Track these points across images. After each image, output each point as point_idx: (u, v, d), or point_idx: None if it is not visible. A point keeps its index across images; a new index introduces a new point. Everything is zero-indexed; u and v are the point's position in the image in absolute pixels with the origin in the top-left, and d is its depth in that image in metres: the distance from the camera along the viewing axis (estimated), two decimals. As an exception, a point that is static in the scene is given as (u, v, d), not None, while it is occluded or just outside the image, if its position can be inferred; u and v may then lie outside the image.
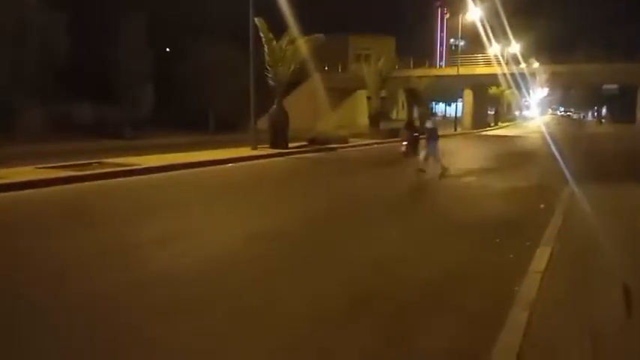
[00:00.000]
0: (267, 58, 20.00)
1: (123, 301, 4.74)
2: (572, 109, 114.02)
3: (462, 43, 51.67)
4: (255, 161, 17.01)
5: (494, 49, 45.44)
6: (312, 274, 5.66)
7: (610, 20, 68.72)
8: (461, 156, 21.53)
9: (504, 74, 43.45)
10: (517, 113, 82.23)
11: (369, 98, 32.18)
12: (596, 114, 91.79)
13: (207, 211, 9.21)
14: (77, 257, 6.09)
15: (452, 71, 45.14)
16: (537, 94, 75.75)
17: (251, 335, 4.11)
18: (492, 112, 59.69)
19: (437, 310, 4.70)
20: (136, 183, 12.03)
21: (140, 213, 8.78)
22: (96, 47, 26.57)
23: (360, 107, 46.15)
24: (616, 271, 5.49)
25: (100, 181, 11.61)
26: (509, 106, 72.84)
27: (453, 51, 57.36)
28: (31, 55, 23.06)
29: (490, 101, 56.32)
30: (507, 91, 55.82)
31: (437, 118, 30.94)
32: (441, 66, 58.57)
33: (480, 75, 44.92)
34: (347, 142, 23.77)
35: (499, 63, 44.13)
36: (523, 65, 47.15)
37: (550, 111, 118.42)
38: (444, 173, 13.74)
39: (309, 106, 37.46)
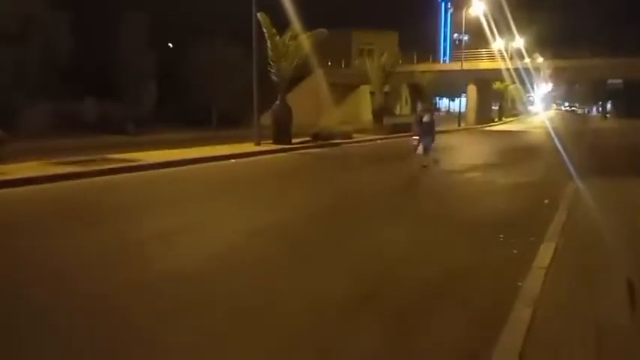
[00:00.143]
0: (270, 53, 19.95)
1: (123, 300, 4.73)
2: (577, 104, 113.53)
3: (465, 37, 51.51)
4: (259, 157, 17.00)
5: (498, 43, 45.25)
6: (315, 272, 5.65)
7: (610, 17, 68.30)
8: (465, 151, 21.50)
9: (508, 69, 43.32)
10: (521, 108, 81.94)
11: (372, 93, 32.11)
12: (600, 109, 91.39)
13: (210, 206, 9.21)
14: (79, 255, 6.08)
15: (456, 66, 45.05)
16: (541, 89, 75.51)
17: (252, 334, 4.09)
18: (496, 108, 59.52)
19: (440, 307, 4.67)
20: (140, 179, 12.04)
21: (144, 209, 8.78)
22: (99, 45, 26.59)
23: (363, 102, 46.11)
24: (620, 267, 5.47)
25: (104, 177, 11.62)
26: (513, 101, 72.56)
27: (456, 46, 57.13)
28: (34, 53, 23.10)
29: (494, 96, 56.13)
30: (511, 86, 55.65)
31: (437, 112, 30.74)
32: (444, 61, 58.39)
33: (484, 70, 44.77)
34: (350, 138, 23.74)
35: (503, 58, 43.98)
36: (527, 60, 46.98)
37: (554, 106, 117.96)
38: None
39: (312, 102, 37.43)
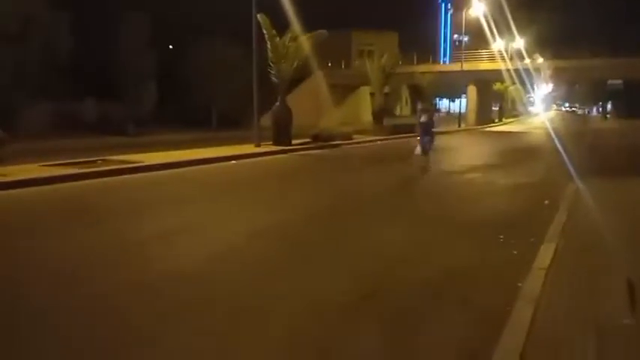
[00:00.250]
0: (269, 54, 19.96)
1: (123, 300, 4.73)
2: (577, 105, 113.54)
3: (465, 38, 51.53)
4: (259, 158, 16.99)
5: (498, 44, 45.27)
6: (315, 272, 5.64)
7: (610, 17, 68.31)
8: (465, 152, 21.50)
9: (508, 70, 43.32)
10: (521, 109, 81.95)
11: (372, 94, 32.11)
12: (601, 109, 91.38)
13: (211, 208, 9.20)
14: (80, 256, 6.08)
15: (456, 67, 45.06)
16: (542, 90, 75.50)
17: (252, 335, 4.09)
18: (496, 108, 59.51)
19: (440, 307, 4.67)
20: (140, 180, 12.04)
21: (144, 211, 8.78)
22: (99, 45, 26.62)
23: (363, 103, 46.12)
24: (621, 268, 5.46)
25: (103, 179, 11.61)
26: (513, 102, 72.58)
27: (456, 46, 57.14)
28: (34, 53, 23.13)
29: (494, 97, 56.13)
30: (511, 87, 55.63)
31: (438, 113, 30.74)
32: (444, 62, 58.38)
33: (484, 71, 44.79)
34: (351, 139, 23.73)
35: (503, 59, 43.98)
36: (527, 61, 46.98)
37: (555, 107, 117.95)
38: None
39: (312, 103, 37.42)
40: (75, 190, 10.49)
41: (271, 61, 20.04)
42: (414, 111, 40.14)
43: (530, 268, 5.45)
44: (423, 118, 14.53)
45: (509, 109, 70.46)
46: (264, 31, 19.45)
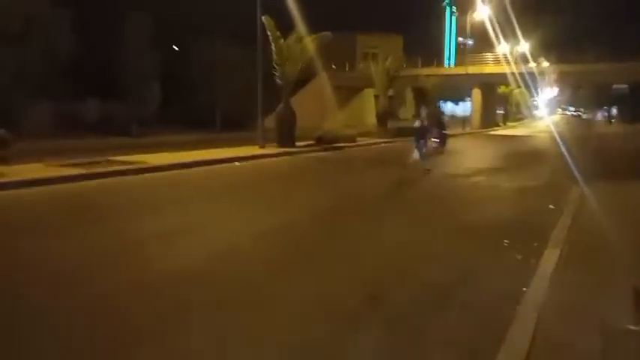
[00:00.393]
0: (274, 56, 19.98)
1: (125, 301, 4.72)
2: (582, 109, 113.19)
3: (470, 41, 51.45)
4: (263, 160, 16.99)
5: (502, 47, 45.20)
6: (317, 274, 5.61)
7: (610, 18, 68.15)
8: (469, 155, 21.45)
9: (513, 73, 43.22)
10: (526, 112, 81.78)
11: (376, 97, 32.11)
12: (606, 114, 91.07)
13: (214, 209, 9.19)
14: (82, 256, 6.07)
15: (460, 70, 44.99)
16: (546, 94, 75.31)
17: (252, 335, 4.07)
18: (501, 112, 59.39)
19: (444, 311, 4.63)
20: (144, 181, 12.04)
21: (147, 211, 8.77)
22: (101, 45, 26.67)
23: (367, 106, 46.06)
24: (625, 273, 5.42)
25: (107, 179, 11.64)
26: (518, 105, 72.44)
27: (461, 50, 57.10)
28: (35, 53, 23.16)
29: (499, 100, 56.05)
30: (516, 91, 55.58)
31: (445, 116, 30.56)
32: (449, 65, 58.31)
33: (489, 74, 44.71)
34: (354, 141, 23.71)
35: (508, 62, 43.89)
36: (532, 64, 46.87)
37: (559, 111, 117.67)
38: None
39: (316, 105, 37.44)
40: (78, 191, 10.50)
41: (275, 63, 20.07)
42: (418, 114, 40.13)
43: (535, 272, 5.41)
44: (417, 123, 14.74)
45: (514, 112, 70.34)
46: (269, 33, 19.47)
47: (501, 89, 51.99)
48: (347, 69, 49.02)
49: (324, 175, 15.09)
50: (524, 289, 4.96)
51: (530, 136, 38.60)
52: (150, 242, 6.65)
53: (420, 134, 14.41)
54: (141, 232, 7.15)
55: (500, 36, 43.35)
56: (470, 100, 47.69)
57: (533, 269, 5.52)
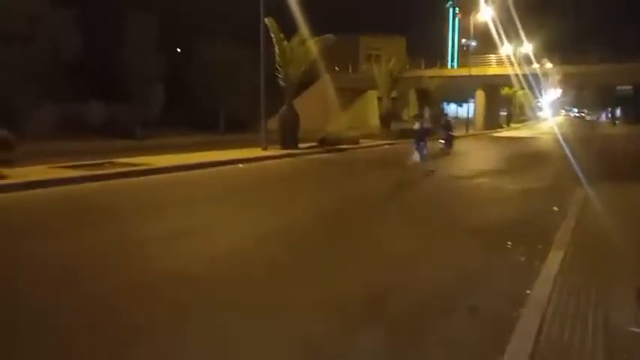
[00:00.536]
0: (277, 58, 20.01)
1: (126, 302, 4.73)
2: (586, 110, 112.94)
3: (473, 43, 51.42)
4: (266, 162, 17.02)
5: (506, 49, 45.14)
6: (320, 276, 5.61)
7: (610, 18, 68.05)
8: (472, 157, 21.41)
9: (517, 75, 43.17)
10: (529, 114, 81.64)
11: (379, 99, 32.17)
12: (610, 115, 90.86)
13: (218, 210, 9.20)
14: (85, 258, 6.08)
15: (464, 72, 44.96)
16: (550, 95, 75.18)
17: (253, 335, 4.08)
18: (504, 113, 59.30)
19: (448, 313, 4.63)
20: (147, 183, 12.06)
21: (151, 213, 8.79)
22: (106, 47, 26.71)
23: (370, 108, 46.12)
24: (630, 275, 5.40)
25: (110, 181, 11.66)
26: (521, 106, 72.33)
27: (464, 51, 57.05)
28: (40, 54, 23.19)
29: (502, 102, 55.97)
30: (520, 92, 55.47)
31: (449, 118, 30.50)
32: (452, 66, 58.27)
33: (492, 75, 44.66)
34: (358, 143, 23.71)
35: (511, 63, 43.83)
36: (536, 65, 46.81)
37: (563, 112, 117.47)
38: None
39: (319, 107, 37.46)
40: (82, 193, 10.52)
41: (279, 65, 20.09)
42: (417, 115, 40.04)
43: (538, 274, 5.40)
44: (416, 125, 14.68)
45: (518, 114, 70.23)
46: (272, 35, 19.50)
47: (505, 91, 51.92)
48: (350, 70, 49.06)
49: (327, 176, 15.09)
50: (528, 291, 4.95)
51: (534, 137, 38.52)
52: (152, 243, 6.67)
53: (420, 136, 14.37)
54: (143, 234, 7.16)
55: (504, 37, 43.37)
56: (473, 102, 47.61)
57: (537, 271, 5.51)
